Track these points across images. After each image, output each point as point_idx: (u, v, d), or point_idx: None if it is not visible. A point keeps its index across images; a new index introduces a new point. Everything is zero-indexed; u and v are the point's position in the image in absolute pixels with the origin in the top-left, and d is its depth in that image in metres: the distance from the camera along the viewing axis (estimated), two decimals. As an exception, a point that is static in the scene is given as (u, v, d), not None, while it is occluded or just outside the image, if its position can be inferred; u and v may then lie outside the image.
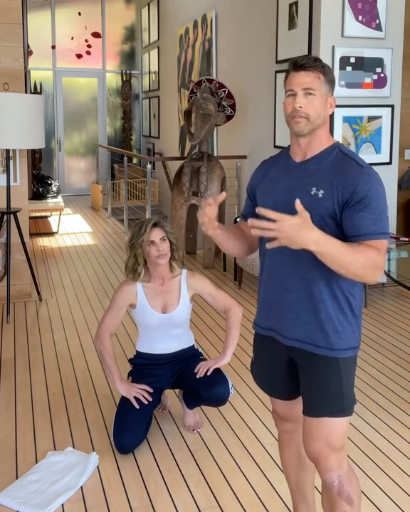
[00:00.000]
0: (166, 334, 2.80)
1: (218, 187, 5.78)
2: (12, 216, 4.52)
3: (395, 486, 2.44)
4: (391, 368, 3.58)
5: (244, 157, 6.10)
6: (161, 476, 2.52)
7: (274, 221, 1.45)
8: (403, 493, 2.40)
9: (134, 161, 10.78)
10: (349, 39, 4.68)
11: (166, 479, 2.49)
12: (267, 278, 1.79)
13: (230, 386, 2.76)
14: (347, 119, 4.79)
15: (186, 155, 6.83)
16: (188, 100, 6.17)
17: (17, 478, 2.50)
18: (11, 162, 4.69)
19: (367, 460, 2.62)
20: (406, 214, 5.94)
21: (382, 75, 4.82)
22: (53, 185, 8.44)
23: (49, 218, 8.63)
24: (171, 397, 3.12)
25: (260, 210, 1.48)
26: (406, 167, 5.91)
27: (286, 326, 1.74)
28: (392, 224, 5.11)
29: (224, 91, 5.76)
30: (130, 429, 2.65)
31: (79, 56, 10.86)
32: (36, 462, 2.61)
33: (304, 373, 1.77)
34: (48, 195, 8.29)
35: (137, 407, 2.68)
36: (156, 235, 2.68)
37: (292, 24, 4.96)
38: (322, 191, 1.64)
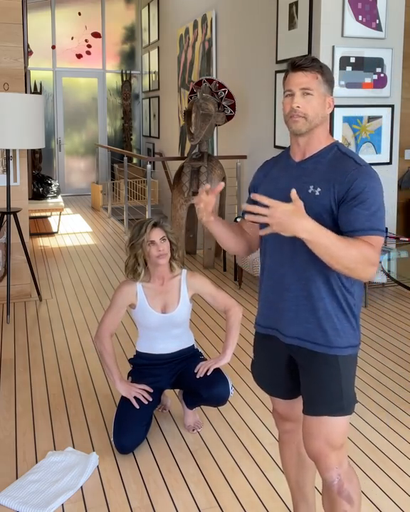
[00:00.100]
0: (166, 334, 2.80)
1: (218, 187, 5.77)
2: (12, 216, 4.52)
3: (395, 486, 2.45)
4: (391, 368, 3.58)
5: (244, 157, 6.10)
6: (161, 476, 2.52)
7: (268, 208, 1.49)
8: (403, 493, 2.40)
9: (134, 161, 10.78)
10: (349, 39, 4.68)
11: (166, 479, 2.49)
12: (268, 277, 1.81)
13: (230, 386, 2.76)
14: (347, 119, 4.79)
15: (186, 155, 6.83)
16: (188, 100, 6.17)
17: (17, 478, 2.50)
18: (11, 162, 4.69)
19: (367, 460, 2.62)
20: (406, 214, 5.94)
21: (382, 75, 4.82)
22: (53, 185, 8.44)
23: (49, 218, 8.63)
24: (171, 397, 3.12)
25: (255, 196, 1.53)
26: (406, 167, 5.91)
27: (286, 324, 1.75)
28: (392, 224, 5.10)
29: (224, 91, 5.76)
30: (130, 429, 2.65)
31: (79, 56, 10.86)
32: (36, 462, 2.61)
33: (304, 372, 1.78)
34: (48, 195, 8.29)
35: (137, 407, 2.68)
36: (157, 235, 2.68)
37: (292, 24, 4.96)
38: (319, 189, 1.65)
